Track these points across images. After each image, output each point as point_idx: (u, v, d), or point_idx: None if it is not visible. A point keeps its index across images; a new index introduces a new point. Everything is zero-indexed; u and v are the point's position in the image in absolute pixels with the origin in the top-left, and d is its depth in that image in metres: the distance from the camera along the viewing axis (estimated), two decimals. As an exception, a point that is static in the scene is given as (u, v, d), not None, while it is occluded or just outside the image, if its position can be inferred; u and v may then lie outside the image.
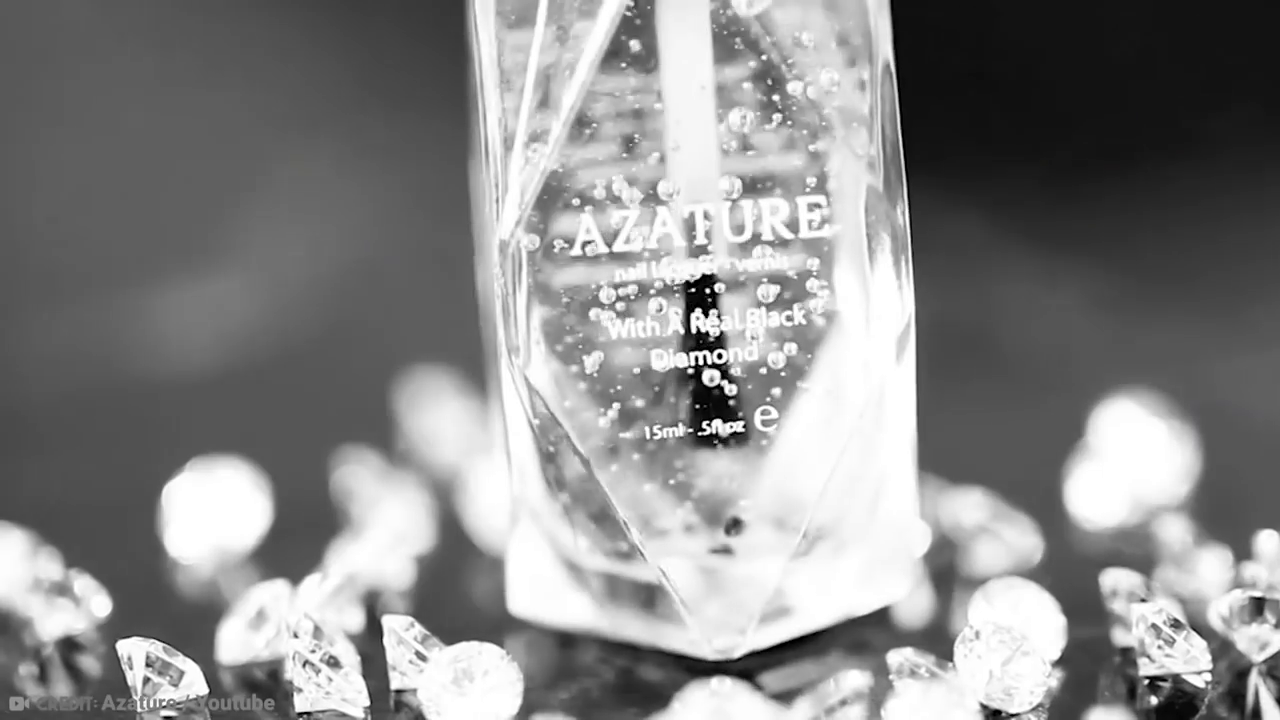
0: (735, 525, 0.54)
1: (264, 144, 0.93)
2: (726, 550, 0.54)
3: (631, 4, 0.52)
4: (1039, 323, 0.83)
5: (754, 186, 0.53)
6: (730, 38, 0.53)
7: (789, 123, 0.53)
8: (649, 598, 0.55)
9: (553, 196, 0.53)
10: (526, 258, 0.53)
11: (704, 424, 0.53)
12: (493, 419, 0.63)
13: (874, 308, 0.54)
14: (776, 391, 0.53)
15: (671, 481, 0.54)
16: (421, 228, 0.90)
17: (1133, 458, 0.65)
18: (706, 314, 0.53)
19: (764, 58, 0.53)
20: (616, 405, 0.53)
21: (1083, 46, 0.93)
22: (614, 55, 0.52)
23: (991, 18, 0.93)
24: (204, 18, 0.95)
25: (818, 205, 0.53)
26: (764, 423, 0.54)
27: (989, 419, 0.73)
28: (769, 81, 0.53)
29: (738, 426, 0.53)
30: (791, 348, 0.53)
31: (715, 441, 0.54)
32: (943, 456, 0.60)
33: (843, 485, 0.54)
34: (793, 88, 0.53)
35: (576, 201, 0.53)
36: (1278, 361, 0.77)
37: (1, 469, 0.72)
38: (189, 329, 0.85)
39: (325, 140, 0.94)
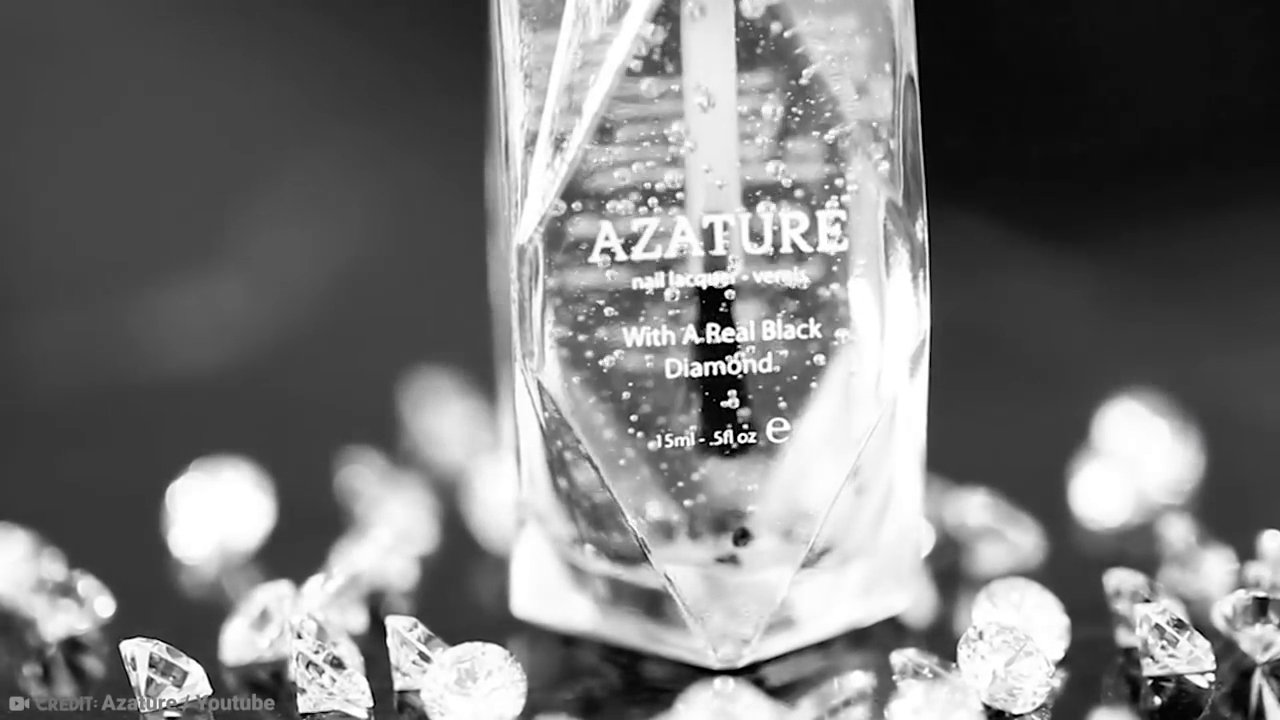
0: (744, 536, 0.54)
1: (268, 143, 0.93)
2: (733, 559, 0.54)
3: (657, 9, 0.52)
4: (1043, 322, 0.83)
5: (773, 195, 0.53)
6: (753, 42, 0.52)
7: (809, 129, 0.53)
8: (653, 604, 0.54)
9: (573, 201, 0.53)
10: (544, 251, 0.53)
11: (715, 433, 0.53)
12: (500, 420, 0.63)
13: (889, 322, 0.53)
14: (789, 403, 0.53)
15: (681, 486, 0.54)
16: (426, 227, 0.90)
17: (1137, 457, 0.65)
18: (721, 324, 0.53)
19: (788, 59, 0.52)
20: (629, 412, 0.53)
21: (1087, 45, 0.93)
22: (638, 60, 0.52)
23: (996, 14, 0.93)
24: (205, 16, 0.95)
25: (838, 219, 0.53)
26: (775, 434, 0.53)
27: (993, 419, 0.73)
28: (790, 84, 0.52)
29: (749, 437, 0.53)
30: (805, 360, 0.53)
31: (726, 451, 0.53)
32: (947, 456, 0.60)
33: (851, 498, 0.54)
34: (813, 93, 0.52)
35: (596, 207, 0.53)
36: (1282, 361, 0.78)
37: (4, 469, 0.72)
38: (192, 329, 0.85)
39: (330, 139, 0.94)
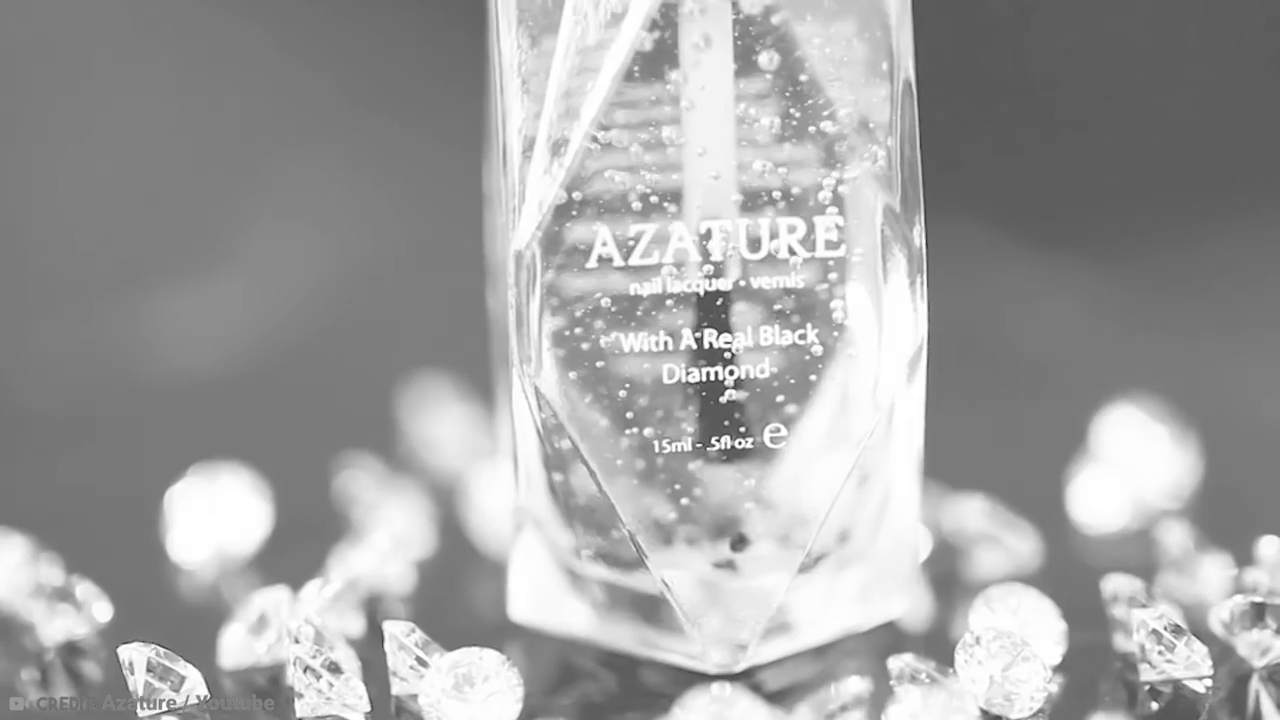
0: (741, 542, 0.54)
1: (266, 147, 0.93)
2: (730, 565, 0.54)
3: (655, 15, 0.52)
4: (1041, 327, 0.83)
5: (770, 200, 0.53)
6: (751, 45, 0.52)
7: (806, 133, 0.53)
8: (650, 609, 0.54)
9: (570, 207, 0.53)
10: (541, 256, 0.53)
11: (712, 439, 0.53)
12: (497, 425, 0.63)
13: (886, 328, 0.53)
14: (787, 409, 0.53)
15: (677, 488, 0.54)
16: (424, 231, 0.90)
17: (1134, 463, 0.65)
18: (718, 329, 0.53)
19: (786, 63, 0.52)
20: (625, 417, 0.53)
21: (1085, 47, 0.93)
22: (635, 65, 0.52)
23: (995, 19, 0.93)
24: (204, 18, 0.95)
25: (836, 225, 0.53)
26: (773, 439, 0.53)
27: (990, 424, 0.73)
28: (788, 89, 0.52)
29: (746, 442, 0.53)
30: (802, 364, 0.53)
31: (723, 456, 0.53)
32: (944, 462, 0.60)
33: (848, 503, 0.54)
34: (812, 97, 0.52)
35: (594, 212, 0.53)
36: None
37: (3, 474, 0.72)
38: (190, 334, 0.85)
39: (328, 143, 0.94)
